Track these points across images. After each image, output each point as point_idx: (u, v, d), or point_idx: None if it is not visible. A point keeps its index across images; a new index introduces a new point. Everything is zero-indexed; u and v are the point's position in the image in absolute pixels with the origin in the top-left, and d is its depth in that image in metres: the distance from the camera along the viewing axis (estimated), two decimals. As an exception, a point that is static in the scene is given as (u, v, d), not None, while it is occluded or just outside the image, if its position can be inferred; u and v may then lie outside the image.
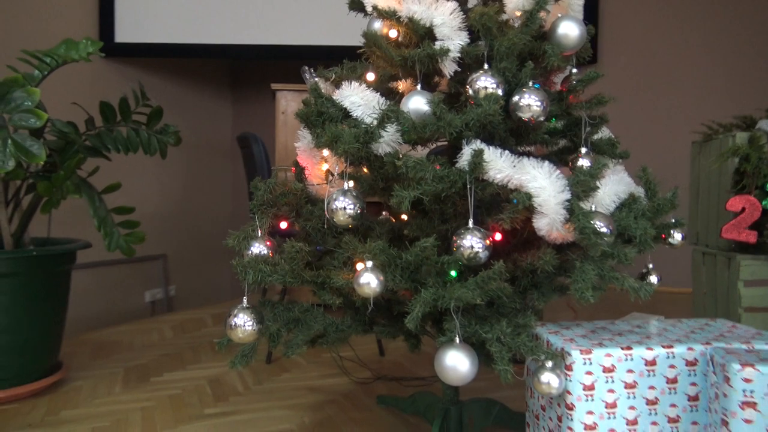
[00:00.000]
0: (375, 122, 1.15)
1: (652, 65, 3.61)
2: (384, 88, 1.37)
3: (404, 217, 1.35)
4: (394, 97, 1.36)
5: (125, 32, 3.42)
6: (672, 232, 1.30)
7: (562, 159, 1.39)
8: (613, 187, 1.21)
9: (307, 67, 1.38)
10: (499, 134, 1.24)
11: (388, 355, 2.11)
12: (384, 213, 1.47)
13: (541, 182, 1.04)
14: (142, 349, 2.26)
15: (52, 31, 2.91)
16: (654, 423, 1.01)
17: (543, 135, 1.32)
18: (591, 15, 3.61)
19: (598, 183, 1.18)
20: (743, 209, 1.71)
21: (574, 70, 1.33)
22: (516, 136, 1.28)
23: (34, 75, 1.52)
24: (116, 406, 1.67)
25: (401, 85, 1.35)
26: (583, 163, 1.27)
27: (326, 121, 1.24)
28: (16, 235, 1.73)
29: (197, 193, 3.81)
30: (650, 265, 1.42)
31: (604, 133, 1.41)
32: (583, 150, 1.29)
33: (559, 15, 1.22)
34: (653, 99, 3.60)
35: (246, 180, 2.39)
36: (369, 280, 1.06)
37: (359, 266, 1.09)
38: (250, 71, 4.09)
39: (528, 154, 1.39)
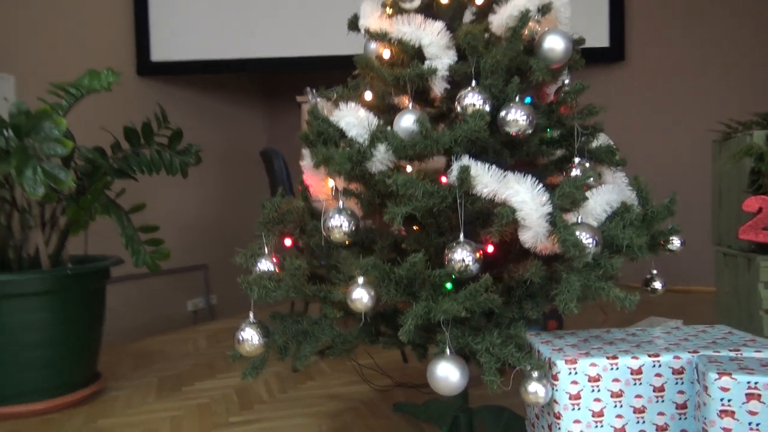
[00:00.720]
0: (367, 142, 1.20)
1: (680, 60, 3.54)
2: (386, 104, 1.42)
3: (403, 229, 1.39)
4: (396, 112, 1.40)
5: (160, 51, 3.57)
6: (671, 238, 1.30)
7: (560, 168, 1.41)
8: (605, 196, 1.23)
9: (309, 88, 1.44)
10: (492, 147, 1.27)
11: (412, 362, 2.15)
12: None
13: (523, 196, 1.07)
14: (178, 358, 2.37)
15: (91, 52, 3.08)
16: (642, 431, 1.03)
17: (539, 145, 1.35)
18: (617, 11, 3.56)
19: (587, 193, 1.20)
20: (760, 209, 1.69)
21: (566, 81, 1.34)
22: (510, 147, 1.31)
23: (62, 105, 1.64)
24: (148, 416, 1.76)
25: (404, 100, 1.40)
26: (577, 172, 1.29)
27: (325, 141, 1.30)
28: (54, 254, 1.86)
29: (235, 203, 3.93)
30: (654, 271, 1.42)
31: (603, 140, 1.42)
32: (577, 160, 1.30)
33: (546, 29, 1.24)
34: (682, 95, 3.53)
35: (270, 194, 2.48)
36: (361, 295, 1.11)
37: (352, 282, 1.14)
38: (281, 83, 4.20)
39: (529, 164, 1.42)
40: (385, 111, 1.41)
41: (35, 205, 1.72)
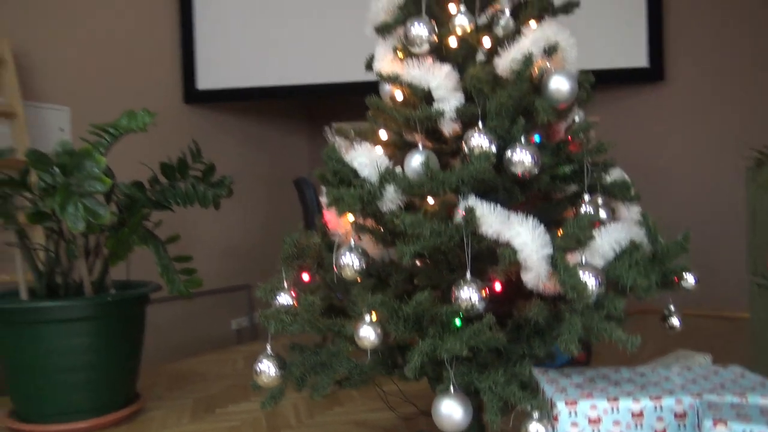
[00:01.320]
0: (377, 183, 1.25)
1: (721, 80, 3.46)
2: (402, 141, 1.46)
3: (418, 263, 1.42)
4: (413, 147, 1.44)
5: (205, 79, 3.72)
6: (685, 275, 1.29)
7: (574, 203, 1.42)
8: (614, 234, 1.23)
9: (328, 127, 1.50)
10: (502, 184, 1.30)
11: (440, 388, 2.17)
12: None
13: (524, 238, 1.10)
14: (215, 379, 2.46)
15: (142, 81, 3.26)
16: (643, 474, 1.03)
17: (552, 181, 1.37)
18: (656, 30, 3.51)
19: (595, 232, 1.21)
20: (790, 241, 1.64)
21: (577, 118, 1.36)
22: (520, 185, 1.33)
23: (103, 143, 1.75)
24: (181, 437, 1.84)
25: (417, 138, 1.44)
26: (587, 209, 1.30)
27: (341, 180, 1.35)
28: (98, 280, 1.97)
29: (278, 224, 4.04)
30: (671, 307, 1.41)
31: (617, 175, 1.43)
32: (587, 197, 1.32)
33: (552, 69, 1.26)
34: (723, 115, 3.45)
35: (303, 222, 2.56)
36: (367, 333, 1.15)
37: (359, 319, 1.18)
38: (324, 108, 4.30)
39: (543, 199, 1.44)
40: (402, 147, 1.45)
41: (80, 236, 1.83)
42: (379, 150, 1.36)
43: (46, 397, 1.82)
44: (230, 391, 2.28)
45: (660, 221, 3.31)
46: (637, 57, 3.55)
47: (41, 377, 1.79)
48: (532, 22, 1.38)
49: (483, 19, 1.44)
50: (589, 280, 1.10)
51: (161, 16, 3.56)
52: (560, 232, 1.17)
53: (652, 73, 3.55)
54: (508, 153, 1.21)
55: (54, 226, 1.85)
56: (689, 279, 1.30)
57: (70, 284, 1.96)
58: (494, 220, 1.15)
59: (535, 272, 1.10)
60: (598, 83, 3.90)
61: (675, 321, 1.38)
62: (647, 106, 3.62)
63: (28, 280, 1.94)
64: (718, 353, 2.45)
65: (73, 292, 1.94)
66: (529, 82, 1.24)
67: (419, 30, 1.28)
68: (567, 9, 1.47)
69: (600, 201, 1.37)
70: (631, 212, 1.43)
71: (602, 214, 1.36)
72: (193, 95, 3.67)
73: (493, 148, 1.21)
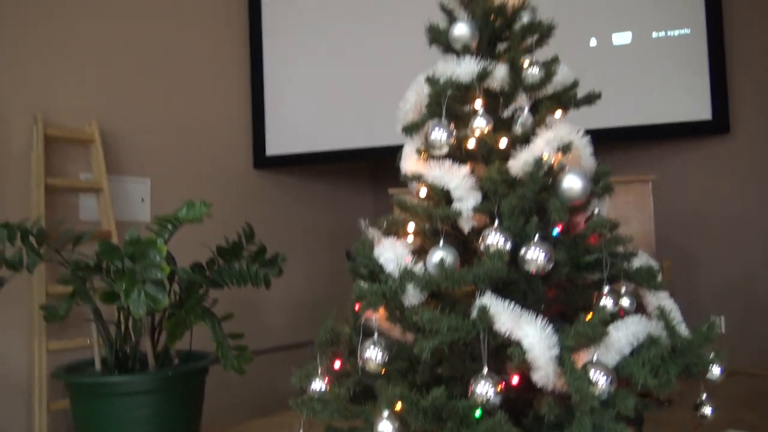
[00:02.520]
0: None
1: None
2: (431, 231, 1.54)
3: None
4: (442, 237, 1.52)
5: (274, 146, 3.95)
6: (711, 366, 1.29)
7: (600, 288, 1.44)
8: (632, 327, 1.25)
9: (362, 219, 1.61)
10: (523, 276, 1.35)
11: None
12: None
13: (532, 339, 1.14)
14: (272, 445, 2.56)
15: (215, 150, 3.53)
16: None
17: (577, 271, 1.40)
18: (720, 82, 3.44)
19: (611, 327, 1.24)
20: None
21: (596, 210, 1.39)
22: (542, 277, 1.38)
23: (165, 232, 1.93)
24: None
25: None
26: (606, 303, 1.32)
27: (370, 273, 1.44)
28: (162, 351, 2.14)
29: (341, 282, 4.17)
30: (704, 396, 1.39)
31: (642, 260, 1.44)
32: (606, 289, 1.34)
33: (567, 167, 1.32)
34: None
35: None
36: (385, 428, 1.22)
37: (378, 413, 1.25)
38: (389, 168, 4.43)
39: (566, 288, 1.47)
40: (432, 235, 1.53)
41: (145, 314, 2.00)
42: (405, 244, 1.44)
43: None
44: (285, 458, 2.37)
45: (726, 279, 3.20)
46: (701, 109, 3.49)
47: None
48: (553, 116, 1.44)
49: (507, 113, 1.51)
50: (600, 379, 1.13)
51: (233, 88, 3.85)
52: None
53: (717, 126, 3.47)
54: (522, 251, 1.26)
55: (123, 305, 2.03)
56: (715, 371, 1.29)
57: (138, 356, 2.13)
58: (507, 319, 1.20)
59: (544, 372, 1.14)
60: (660, 137, 3.85)
61: (707, 410, 1.37)
62: (712, 160, 3.53)
63: (101, 352, 2.14)
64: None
65: (141, 364, 2.11)
66: (541, 183, 1.29)
67: (438, 134, 1.37)
68: (590, 100, 1.52)
69: (624, 289, 1.39)
70: (658, 299, 1.43)
71: (625, 302, 1.38)
72: (262, 161, 3.91)
73: (508, 246, 1.27)
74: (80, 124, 3.00)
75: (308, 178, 4.17)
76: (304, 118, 3.93)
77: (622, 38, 3.57)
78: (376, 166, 4.49)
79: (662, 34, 3.52)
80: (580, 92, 1.50)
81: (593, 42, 3.57)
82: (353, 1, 3.85)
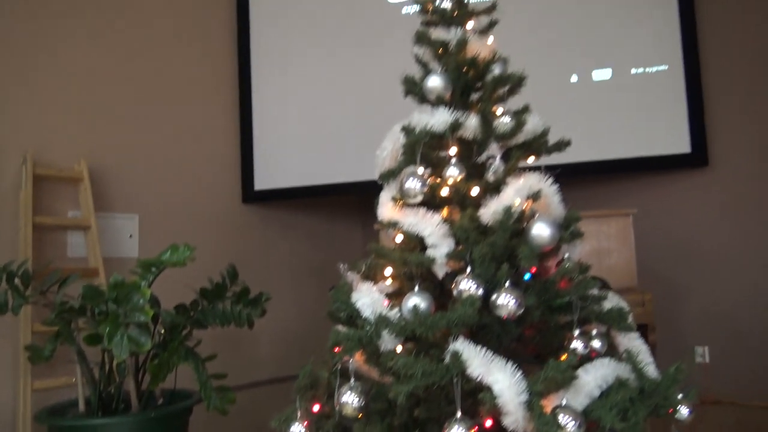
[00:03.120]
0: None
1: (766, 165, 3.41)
2: (407, 275, 1.58)
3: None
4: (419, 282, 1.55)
5: (262, 180, 3.98)
6: (679, 407, 1.32)
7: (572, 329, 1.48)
8: (601, 371, 1.29)
9: (342, 264, 1.64)
10: (496, 320, 1.38)
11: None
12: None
13: (501, 385, 1.17)
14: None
15: (204, 187, 3.55)
16: None
17: (550, 314, 1.44)
18: (697, 116, 3.52)
19: (580, 370, 1.27)
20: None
21: (566, 255, 1.44)
22: (515, 320, 1.41)
23: (149, 275, 1.96)
24: None
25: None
26: (576, 346, 1.36)
27: (348, 317, 1.47)
28: (147, 391, 2.14)
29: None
30: (675, 433, 1.42)
31: (614, 302, 1.48)
32: (576, 332, 1.38)
33: (536, 215, 1.36)
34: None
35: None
36: (360, 473, 1.24)
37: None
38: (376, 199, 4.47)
39: (540, 329, 1.51)
40: (409, 279, 1.57)
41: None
42: (383, 287, 1.48)
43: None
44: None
45: (709, 310, 3.21)
46: (680, 143, 3.55)
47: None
48: (525, 163, 1.49)
49: (481, 158, 1.56)
50: (569, 424, 1.16)
51: (222, 124, 3.90)
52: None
53: (696, 159, 3.54)
54: (494, 297, 1.30)
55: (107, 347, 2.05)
56: (683, 411, 1.32)
57: (122, 396, 2.14)
58: (478, 363, 1.24)
59: (514, 417, 1.17)
60: (640, 170, 3.88)
61: (679, 449, 1.40)
62: (691, 193, 3.59)
63: (85, 392, 2.14)
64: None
65: (125, 404, 2.11)
66: (511, 230, 1.34)
67: (413, 184, 1.42)
68: (559, 147, 1.58)
69: (594, 331, 1.43)
70: (629, 340, 1.47)
71: (596, 344, 1.41)
72: (250, 195, 3.94)
73: (480, 292, 1.31)
74: (69, 162, 3.03)
75: (296, 212, 4.20)
76: (292, 153, 3.97)
77: (602, 74, 3.65)
78: (365, 200, 4.54)
79: (641, 70, 3.61)
80: (561, 127, 1.56)
81: (574, 78, 3.65)
82: (342, 38, 3.93)
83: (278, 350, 3.78)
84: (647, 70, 3.60)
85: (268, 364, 3.73)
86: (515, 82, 1.53)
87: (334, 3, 3.95)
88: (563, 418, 1.16)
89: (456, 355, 1.24)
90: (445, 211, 1.52)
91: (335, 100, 3.91)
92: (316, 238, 4.27)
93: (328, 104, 3.92)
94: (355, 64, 3.89)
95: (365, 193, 4.41)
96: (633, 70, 3.61)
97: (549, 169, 1.50)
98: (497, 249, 1.32)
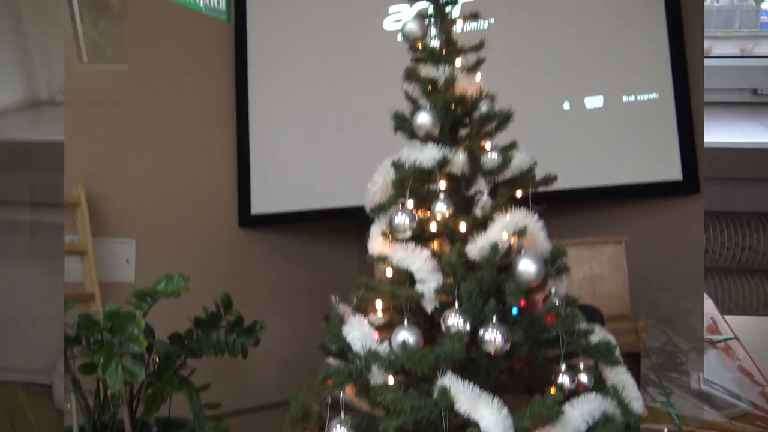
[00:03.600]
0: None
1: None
2: (397, 308, 1.60)
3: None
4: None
5: (259, 205, 3.98)
6: (665, 441, 1.34)
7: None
8: (587, 405, 1.31)
9: (334, 296, 1.66)
10: (483, 355, 1.40)
11: None
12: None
13: (488, 421, 1.19)
14: None
15: (199, 211, 3.58)
16: None
17: (538, 347, 1.46)
18: (688, 144, 3.57)
19: (567, 405, 1.29)
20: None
21: (553, 290, 1.46)
22: (503, 355, 1.43)
23: (144, 305, 1.98)
24: None
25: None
26: (563, 380, 1.38)
27: (339, 350, 1.50)
28: (140, 421, 2.15)
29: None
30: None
31: (601, 336, 1.51)
32: (563, 367, 1.40)
33: (523, 251, 1.39)
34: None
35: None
36: None
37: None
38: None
39: (528, 362, 1.53)
40: (399, 312, 1.59)
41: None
42: (374, 319, 1.50)
43: None
44: None
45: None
46: (672, 170, 3.58)
47: None
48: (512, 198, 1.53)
49: (469, 193, 1.59)
50: (554, 460, 1.17)
51: (218, 147, 3.91)
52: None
53: (687, 186, 3.57)
54: (481, 332, 1.33)
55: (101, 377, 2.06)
56: (669, 446, 1.34)
57: (117, 425, 2.14)
58: (465, 399, 1.26)
59: (501, 453, 1.19)
60: (632, 197, 3.91)
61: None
62: (683, 220, 3.62)
63: (79, 421, 2.15)
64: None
65: (118, 433, 2.12)
66: (498, 266, 1.36)
67: (402, 219, 1.45)
68: (546, 182, 1.61)
69: (582, 365, 1.45)
70: (616, 374, 1.49)
71: (584, 378, 1.43)
72: (247, 220, 3.94)
73: (467, 328, 1.33)
74: (67, 186, 3.05)
75: (293, 237, 4.21)
76: (289, 177, 3.98)
77: (594, 102, 3.70)
78: (363, 225, 4.54)
79: (632, 98, 3.65)
80: (553, 154, 1.58)
81: (567, 105, 3.70)
82: (340, 61, 3.95)
83: (272, 376, 3.77)
84: (639, 97, 3.64)
85: (262, 389, 3.72)
86: (502, 119, 1.57)
87: (335, 29, 3.99)
88: (548, 455, 1.18)
89: (444, 391, 1.26)
90: (435, 244, 1.55)
91: (334, 123, 3.92)
92: (313, 262, 4.28)
93: (327, 127, 3.93)
94: (355, 89, 3.92)
95: (363, 218, 4.45)
96: (624, 98, 3.65)
97: (537, 201, 1.53)
98: (484, 284, 1.35)
